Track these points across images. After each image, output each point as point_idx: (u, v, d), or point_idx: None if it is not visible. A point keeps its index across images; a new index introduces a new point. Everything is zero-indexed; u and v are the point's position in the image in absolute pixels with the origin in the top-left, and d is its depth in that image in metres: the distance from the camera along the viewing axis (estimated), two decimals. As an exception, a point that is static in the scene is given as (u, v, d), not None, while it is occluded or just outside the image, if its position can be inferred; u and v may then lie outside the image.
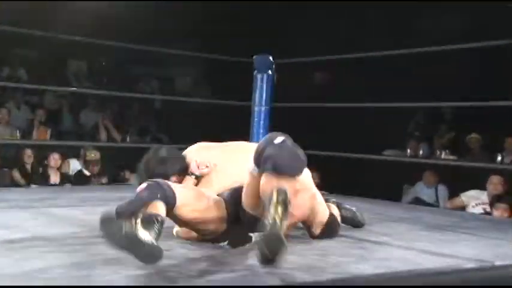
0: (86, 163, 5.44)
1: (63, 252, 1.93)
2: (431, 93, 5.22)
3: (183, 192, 2.01)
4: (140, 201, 1.87)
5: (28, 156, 5.34)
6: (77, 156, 5.62)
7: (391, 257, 2.17)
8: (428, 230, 2.89)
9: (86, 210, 2.63)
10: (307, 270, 1.85)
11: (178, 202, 1.96)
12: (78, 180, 5.27)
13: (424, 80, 6.09)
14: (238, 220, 2.08)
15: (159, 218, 1.83)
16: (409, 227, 3.03)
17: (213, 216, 2.07)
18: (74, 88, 6.61)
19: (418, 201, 5.33)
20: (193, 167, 2.28)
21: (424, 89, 5.76)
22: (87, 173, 5.42)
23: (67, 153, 5.62)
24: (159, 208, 1.89)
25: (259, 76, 4.19)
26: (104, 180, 5.41)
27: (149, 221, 1.78)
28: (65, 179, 5.26)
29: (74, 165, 5.53)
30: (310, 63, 5.42)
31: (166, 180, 2.02)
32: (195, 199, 2.05)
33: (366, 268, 1.93)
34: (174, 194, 1.95)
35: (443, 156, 5.66)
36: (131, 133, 6.59)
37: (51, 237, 2.15)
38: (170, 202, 1.94)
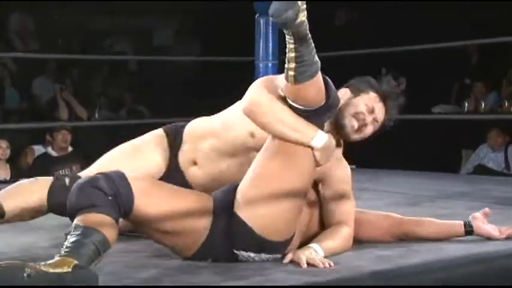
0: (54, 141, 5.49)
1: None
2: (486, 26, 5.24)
3: (141, 183, 2.00)
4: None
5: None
6: (42, 141, 5.67)
7: (444, 246, 2.25)
8: (496, 207, 2.94)
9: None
10: (350, 263, 1.98)
11: (137, 204, 1.95)
12: (42, 165, 5.31)
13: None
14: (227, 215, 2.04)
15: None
16: (471, 204, 3.08)
17: (189, 207, 2.05)
18: (18, 53, 6.63)
19: (482, 170, 5.39)
20: None
21: (475, 21, 5.77)
22: (53, 153, 5.48)
23: (20, 140, 5.68)
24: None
25: (261, 21, 4.22)
26: (76, 168, 5.44)
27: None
28: (20, 174, 5.31)
29: (40, 153, 5.59)
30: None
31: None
32: (157, 187, 2.06)
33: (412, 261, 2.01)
34: (131, 192, 1.94)
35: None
36: (101, 107, 6.64)
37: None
38: (125, 205, 1.93)
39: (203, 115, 2.51)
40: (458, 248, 2.21)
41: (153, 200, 1.99)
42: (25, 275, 1.70)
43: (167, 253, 2.12)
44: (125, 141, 2.53)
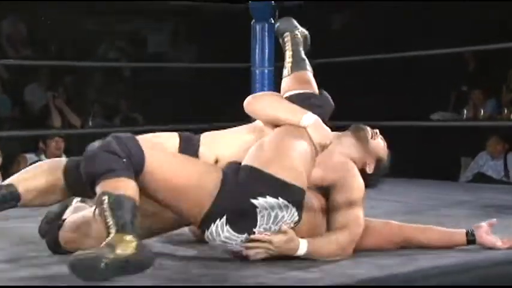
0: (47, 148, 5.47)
1: (15, 280, 1.97)
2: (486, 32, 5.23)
3: (149, 144, 2.06)
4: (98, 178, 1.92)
5: None
6: (34, 149, 5.65)
7: (444, 255, 2.21)
8: (495, 216, 2.91)
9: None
10: (342, 273, 1.94)
11: (148, 163, 1.98)
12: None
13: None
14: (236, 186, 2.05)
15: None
16: (470, 212, 3.08)
17: (199, 165, 2.12)
18: (10, 60, 6.61)
19: (481, 178, 5.37)
20: None
21: (474, 28, 5.76)
22: (46, 160, 5.46)
23: (11, 147, 5.66)
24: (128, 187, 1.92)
25: (258, 27, 4.21)
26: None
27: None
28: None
29: (33, 161, 5.57)
30: (324, 4, 5.42)
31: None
32: (164, 150, 2.15)
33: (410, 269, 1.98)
34: (142, 152, 1.98)
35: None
36: (94, 114, 6.62)
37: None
38: (137, 165, 1.96)
39: (199, 122, 2.51)
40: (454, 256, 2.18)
41: (163, 158, 2.04)
42: (102, 264, 1.79)
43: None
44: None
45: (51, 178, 2.18)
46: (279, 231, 2.07)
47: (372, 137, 2.35)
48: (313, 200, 2.22)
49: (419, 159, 5.63)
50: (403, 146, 5.59)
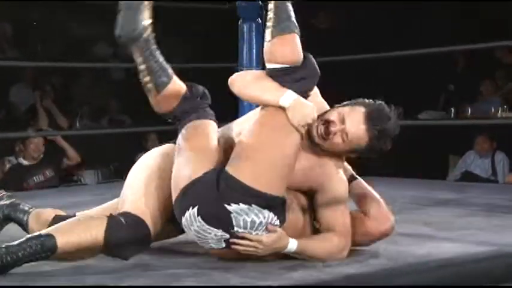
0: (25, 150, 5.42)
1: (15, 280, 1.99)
2: (476, 31, 5.26)
3: None
4: None
5: None
6: (11, 152, 5.62)
7: (432, 253, 2.25)
8: (482, 215, 2.96)
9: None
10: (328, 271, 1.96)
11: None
12: (13, 178, 5.26)
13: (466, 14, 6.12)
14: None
15: None
16: (457, 211, 3.10)
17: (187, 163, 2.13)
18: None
19: (469, 177, 5.39)
20: None
21: (464, 27, 5.80)
22: (25, 162, 5.42)
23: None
24: None
25: (245, 26, 4.22)
26: (49, 172, 5.40)
27: None
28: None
29: (13, 164, 5.54)
30: (312, 4, 5.44)
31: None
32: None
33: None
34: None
35: (500, 114, 5.68)
36: (81, 116, 6.60)
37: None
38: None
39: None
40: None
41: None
42: None
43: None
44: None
45: (90, 236, 2.10)
46: (269, 232, 2.09)
47: (323, 139, 2.20)
48: (296, 201, 2.23)
49: (408, 158, 5.64)
50: (393, 146, 5.65)
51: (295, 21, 2.16)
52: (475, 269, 2.11)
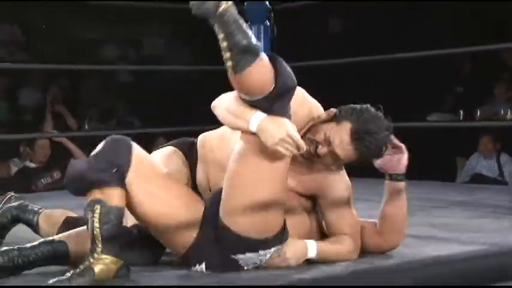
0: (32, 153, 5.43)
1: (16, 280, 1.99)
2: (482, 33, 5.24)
3: (144, 160, 2.09)
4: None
5: None
6: (16, 155, 5.63)
7: (442, 255, 2.22)
8: (492, 216, 2.94)
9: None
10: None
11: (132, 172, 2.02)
12: (20, 180, 5.27)
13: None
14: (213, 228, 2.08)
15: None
16: (466, 214, 3.09)
17: (178, 214, 2.08)
18: (6, 63, 6.61)
19: (478, 179, 5.38)
20: None
21: (464, 27, 5.78)
22: (32, 165, 5.42)
23: (5, 154, 5.64)
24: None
25: (253, 28, 4.23)
26: (57, 174, 5.41)
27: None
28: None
29: (20, 167, 5.54)
30: (320, 6, 5.44)
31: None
32: (158, 176, 2.11)
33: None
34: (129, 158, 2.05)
35: (509, 116, 5.67)
36: (90, 118, 6.63)
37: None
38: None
39: (194, 124, 2.50)
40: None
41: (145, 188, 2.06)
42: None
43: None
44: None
45: None
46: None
47: (316, 157, 2.16)
48: (298, 206, 2.23)
49: (416, 160, 5.63)
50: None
51: (254, 40, 1.92)
52: (481, 266, 2.09)
